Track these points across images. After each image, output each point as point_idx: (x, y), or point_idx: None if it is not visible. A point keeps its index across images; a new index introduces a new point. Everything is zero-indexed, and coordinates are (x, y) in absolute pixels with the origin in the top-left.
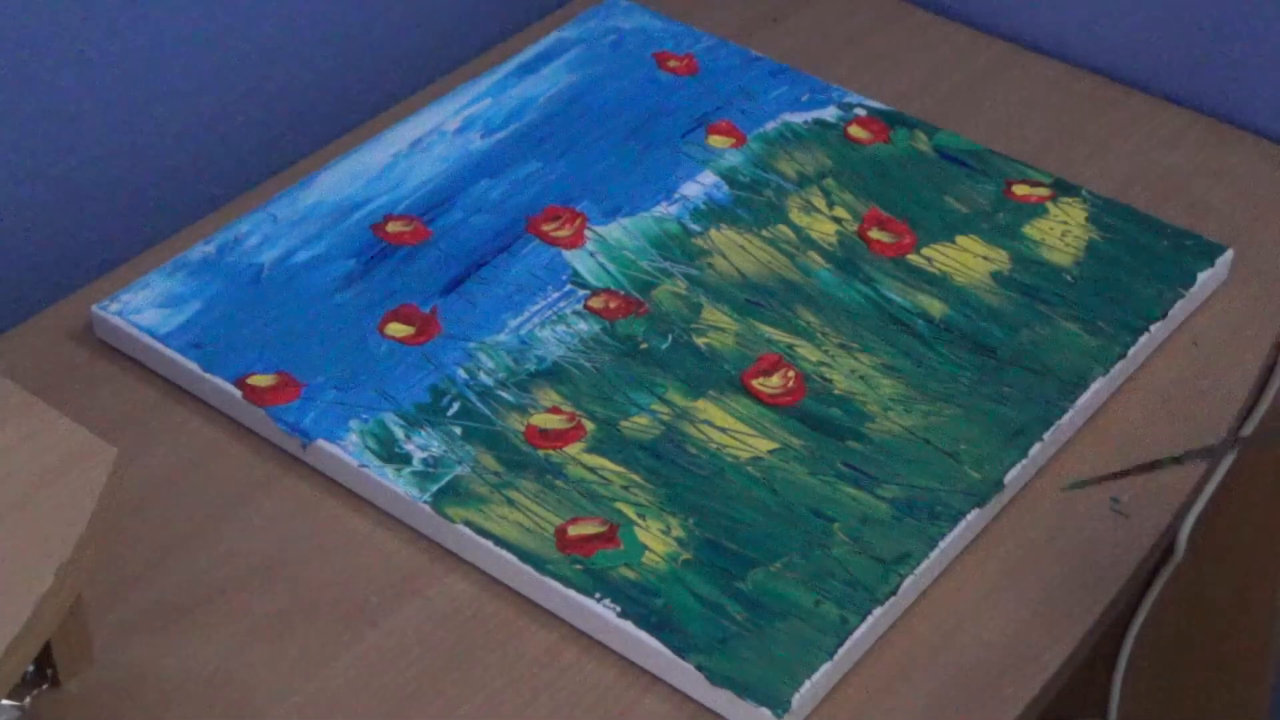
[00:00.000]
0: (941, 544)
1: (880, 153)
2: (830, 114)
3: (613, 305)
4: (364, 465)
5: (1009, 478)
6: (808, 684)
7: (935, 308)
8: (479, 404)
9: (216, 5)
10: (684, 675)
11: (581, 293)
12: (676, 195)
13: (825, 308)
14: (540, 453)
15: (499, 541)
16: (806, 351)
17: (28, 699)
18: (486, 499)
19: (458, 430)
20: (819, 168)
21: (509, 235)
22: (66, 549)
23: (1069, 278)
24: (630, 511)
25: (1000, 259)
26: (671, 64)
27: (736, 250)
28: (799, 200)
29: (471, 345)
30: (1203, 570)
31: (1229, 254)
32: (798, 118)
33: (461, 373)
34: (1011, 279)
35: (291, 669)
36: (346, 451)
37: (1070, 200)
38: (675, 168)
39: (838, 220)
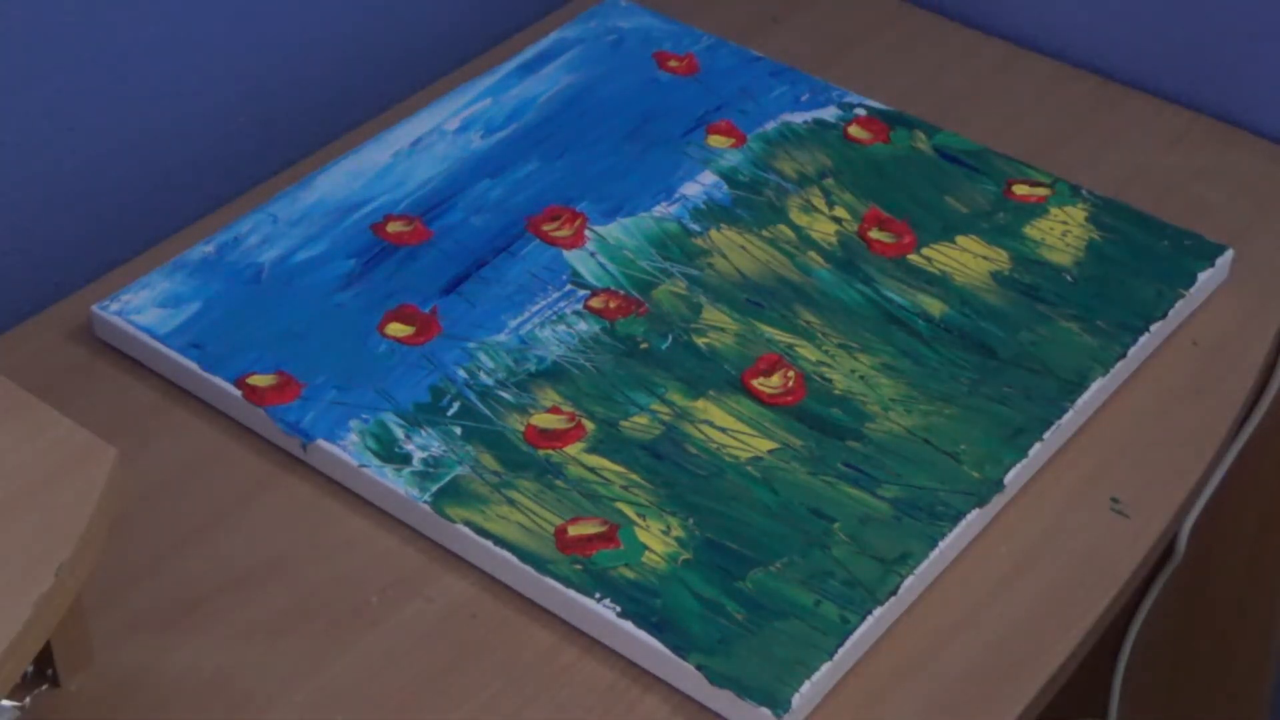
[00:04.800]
0: (941, 544)
1: (880, 153)
2: (830, 114)
3: (613, 305)
4: (364, 465)
5: (1009, 478)
6: (808, 684)
7: (935, 307)
8: (479, 404)
9: (216, 5)
10: (684, 675)
11: (581, 293)
12: (676, 195)
13: (825, 308)
14: (540, 453)
15: (499, 541)
16: (806, 351)
17: (28, 699)
18: (486, 499)
19: (458, 430)
20: (819, 168)
21: (509, 235)
22: (66, 549)
23: (1069, 277)
24: (630, 511)
25: (1000, 259)
26: (671, 64)
27: (736, 250)
28: (799, 200)
29: (471, 345)
30: (1203, 570)
31: (1229, 254)
32: (798, 118)
33: (461, 373)
34: (1011, 279)
35: (291, 669)
36: (346, 451)
37: (1070, 200)
38: (675, 168)
39: (838, 220)
